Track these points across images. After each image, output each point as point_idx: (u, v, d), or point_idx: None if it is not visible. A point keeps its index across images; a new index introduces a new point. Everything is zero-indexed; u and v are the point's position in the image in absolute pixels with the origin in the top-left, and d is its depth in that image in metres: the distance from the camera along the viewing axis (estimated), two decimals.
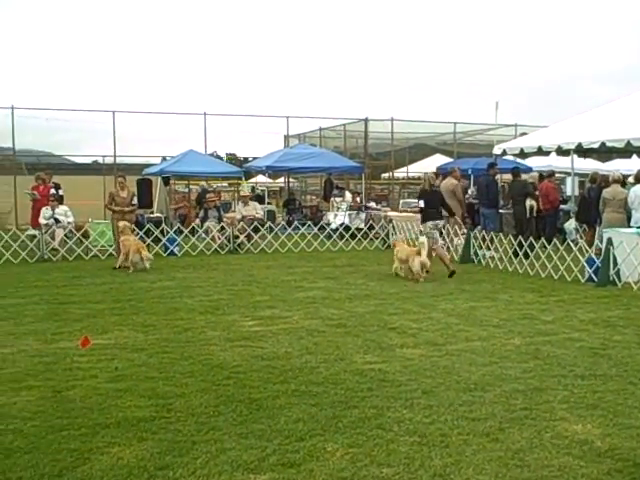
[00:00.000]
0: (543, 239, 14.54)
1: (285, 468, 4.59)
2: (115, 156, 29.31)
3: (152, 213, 22.34)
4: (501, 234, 16.89)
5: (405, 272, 13.74)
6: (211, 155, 32.34)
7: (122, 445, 4.98)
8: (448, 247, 16.82)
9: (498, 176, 19.88)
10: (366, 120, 30.55)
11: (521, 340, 8.21)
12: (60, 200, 18.62)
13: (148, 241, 17.48)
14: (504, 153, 19.46)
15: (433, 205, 14.91)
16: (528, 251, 14.50)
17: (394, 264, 14.11)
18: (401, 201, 30.67)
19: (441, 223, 15.17)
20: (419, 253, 13.45)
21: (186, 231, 18.71)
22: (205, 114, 29.89)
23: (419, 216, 20.67)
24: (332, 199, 26.26)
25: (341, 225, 22.23)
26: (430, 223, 14.68)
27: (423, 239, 13.94)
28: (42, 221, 17.41)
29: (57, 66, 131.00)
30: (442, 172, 20.28)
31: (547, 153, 19.82)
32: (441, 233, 15.30)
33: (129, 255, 14.62)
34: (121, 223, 15.12)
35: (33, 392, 6.23)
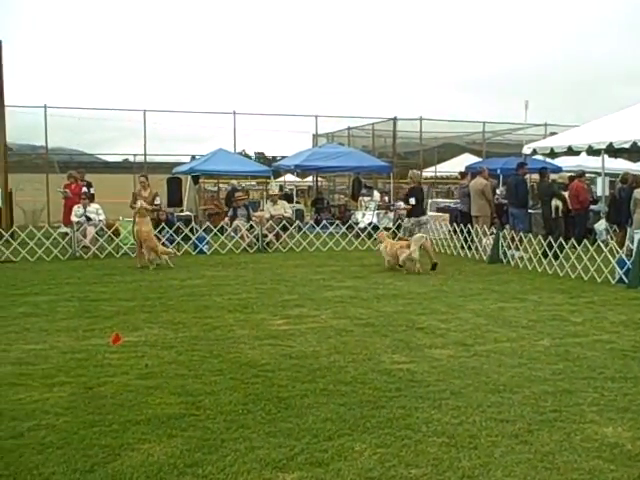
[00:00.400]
0: (573, 240, 14.43)
1: (313, 467, 4.61)
2: (145, 155, 29.58)
3: (182, 211, 22.49)
4: (530, 234, 16.79)
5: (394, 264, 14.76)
6: (240, 154, 32.49)
7: (152, 442, 5.03)
8: (476, 247, 16.83)
9: (527, 176, 19.74)
10: (395, 119, 30.52)
11: (550, 341, 8.16)
12: (91, 198, 18.84)
13: (178, 239, 17.68)
14: (534, 153, 19.33)
15: (420, 201, 16.28)
16: (557, 252, 14.40)
17: (386, 259, 14.96)
18: (429, 200, 30.54)
19: (425, 219, 16.40)
20: (408, 247, 14.45)
21: (215, 230, 18.80)
22: (234, 113, 30.07)
23: (447, 215, 20.81)
24: (360, 198, 26.23)
25: (369, 224, 22.22)
26: (414, 219, 16.03)
27: (420, 235, 14.79)
28: (74, 219, 17.63)
29: (89, 65, 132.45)
30: (471, 172, 20.20)
31: (577, 153, 19.69)
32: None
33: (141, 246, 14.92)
34: (138, 203, 15.12)
35: (65, 388, 6.31)
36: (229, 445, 4.97)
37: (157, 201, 15.70)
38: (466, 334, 8.55)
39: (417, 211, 16.08)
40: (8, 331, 8.68)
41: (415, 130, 31.39)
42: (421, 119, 30.78)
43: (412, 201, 15.92)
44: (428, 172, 36.17)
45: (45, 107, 27.44)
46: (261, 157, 44.89)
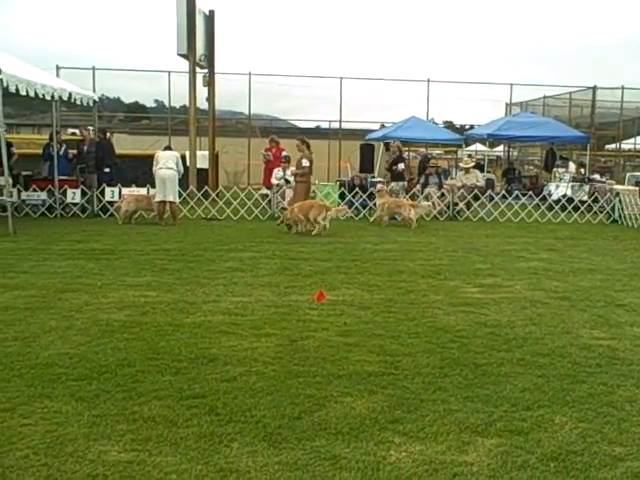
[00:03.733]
0: None
1: (512, 435, 4.62)
2: (340, 121, 30.18)
3: (373, 177, 22.80)
4: None
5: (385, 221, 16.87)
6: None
7: (354, 396, 5.24)
8: None
9: None
10: (594, 88, 29.13)
11: None
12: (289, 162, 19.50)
13: (370, 205, 18.06)
14: None
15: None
16: None
17: (379, 213, 17.01)
18: (627, 174, 28.93)
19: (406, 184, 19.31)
20: (412, 206, 16.89)
21: (407, 196, 18.94)
22: (429, 81, 29.93)
23: None
24: (554, 170, 25.39)
25: (563, 196, 21.49)
26: (401, 183, 18.87)
27: (426, 204, 17.86)
28: (274, 181, 18.40)
29: (289, 33, 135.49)
30: None
31: None
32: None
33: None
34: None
35: (271, 339, 6.69)
36: (428, 406, 5.08)
37: (305, 163, 15.73)
38: None
39: (401, 176, 18.91)
40: (217, 283, 9.29)
41: (615, 100, 29.77)
42: (623, 88, 29.13)
43: (402, 166, 18.86)
44: (627, 144, 34.19)
45: (250, 74, 28.67)
46: (449, 125, 44.38)
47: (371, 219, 17.11)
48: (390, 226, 16.66)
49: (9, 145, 18.29)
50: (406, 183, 19.19)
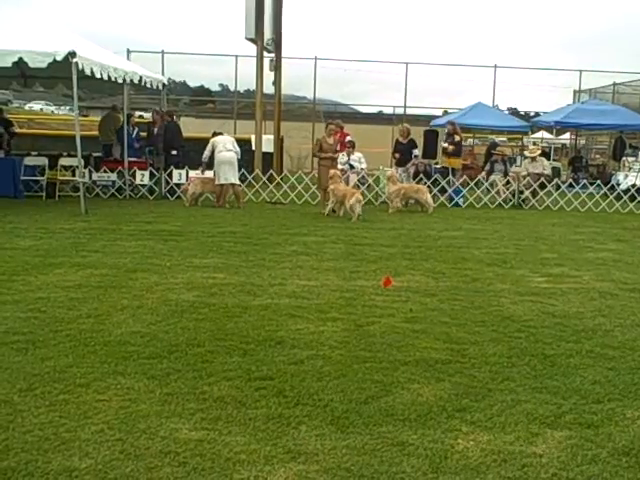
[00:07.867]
0: None
1: (582, 428, 4.56)
2: (405, 107, 29.96)
3: (437, 164, 22.61)
4: None
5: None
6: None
7: (421, 383, 5.23)
8: None
9: None
10: None
11: None
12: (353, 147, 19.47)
13: (434, 191, 17.92)
14: None
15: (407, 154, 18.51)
16: None
17: (394, 201, 16.49)
18: None
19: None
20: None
21: (472, 183, 18.74)
22: (496, 66, 29.44)
23: None
24: (623, 159, 24.80)
25: (632, 186, 20.97)
26: (408, 168, 18.60)
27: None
28: (338, 166, 18.36)
29: (355, 16, 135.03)
30: None
31: None
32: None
33: (345, 202, 14.78)
34: (332, 171, 15.45)
35: (337, 324, 6.71)
36: (495, 395, 5.04)
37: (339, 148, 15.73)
38: None
39: (405, 162, 18.52)
40: (283, 267, 9.38)
41: None
42: None
43: (417, 152, 18.65)
44: None
45: (315, 59, 28.66)
46: (513, 112, 43.67)
47: (389, 210, 16.37)
48: (448, 214, 16.50)
49: (9, 124, 18.89)
50: (411, 169, 18.80)
